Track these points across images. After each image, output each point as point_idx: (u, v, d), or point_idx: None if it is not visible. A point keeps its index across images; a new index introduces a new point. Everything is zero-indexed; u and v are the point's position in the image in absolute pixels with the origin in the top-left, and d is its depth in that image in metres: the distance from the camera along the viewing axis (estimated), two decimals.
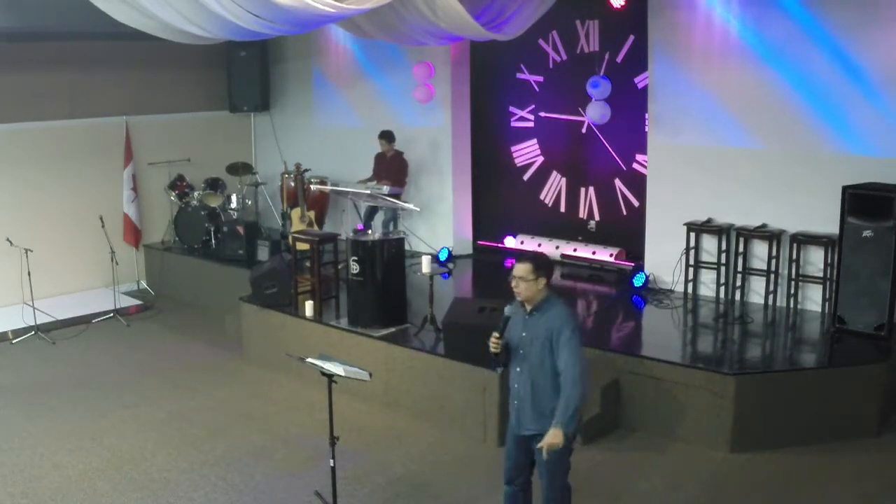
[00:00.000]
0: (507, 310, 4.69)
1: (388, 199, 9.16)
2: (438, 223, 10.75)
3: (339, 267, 8.70)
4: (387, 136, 10.13)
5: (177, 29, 6.79)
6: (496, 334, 4.63)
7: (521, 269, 4.57)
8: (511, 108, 10.52)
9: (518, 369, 4.69)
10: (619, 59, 9.46)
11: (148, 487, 6.06)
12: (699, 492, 5.90)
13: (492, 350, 4.66)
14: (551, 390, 4.54)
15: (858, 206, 7.11)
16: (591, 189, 10.03)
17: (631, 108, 9.34)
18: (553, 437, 4.41)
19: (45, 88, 10.31)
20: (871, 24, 7.39)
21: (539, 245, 10.14)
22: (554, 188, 10.34)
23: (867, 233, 7.06)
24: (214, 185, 11.50)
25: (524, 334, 4.64)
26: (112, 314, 10.04)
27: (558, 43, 9.96)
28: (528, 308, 4.64)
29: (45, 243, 10.21)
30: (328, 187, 10.65)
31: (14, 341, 9.26)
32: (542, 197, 10.45)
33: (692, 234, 8.59)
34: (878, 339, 7.05)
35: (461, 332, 6.87)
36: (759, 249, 8.29)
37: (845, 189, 7.17)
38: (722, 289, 8.51)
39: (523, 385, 4.65)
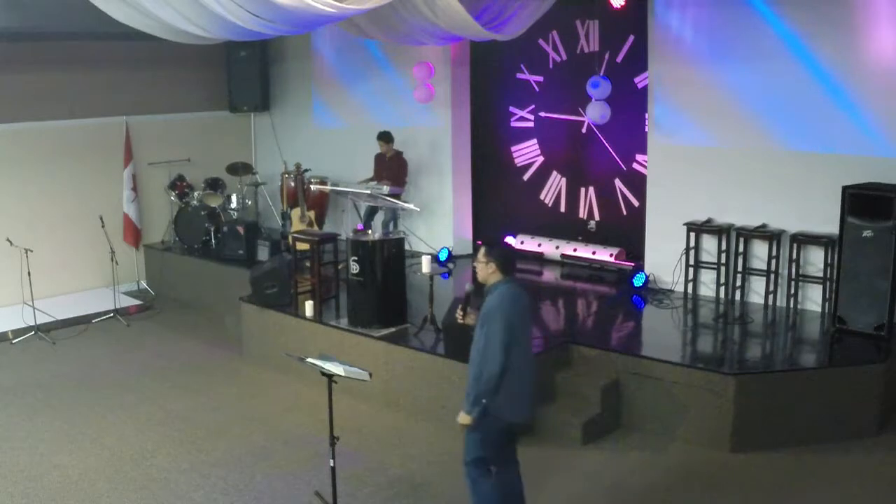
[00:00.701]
0: (468, 286, 5.30)
1: (388, 199, 9.15)
2: (438, 223, 10.74)
3: (339, 267, 8.70)
4: (385, 137, 10.11)
5: (177, 29, 6.79)
6: (460, 306, 5.20)
7: (479, 252, 5.00)
8: (511, 108, 10.52)
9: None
10: (619, 59, 9.46)
11: (148, 487, 6.06)
12: (699, 492, 5.90)
13: (458, 322, 5.26)
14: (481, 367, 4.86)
15: (858, 206, 7.11)
16: (591, 189, 10.02)
17: (631, 108, 9.33)
18: (461, 417, 4.85)
19: (45, 88, 10.31)
20: (871, 25, 7.39)
21: (539, 245, 10.14)
22: (554, 188, 10.34)
23: (867, 233, 7.07)
24: (214, 185, 11.50)
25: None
26: (112, 314, 10.04)
27: (558, 43, 9.96)
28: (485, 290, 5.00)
29: (45, 243, 10.22)
30: (328, 187, 10.64)
31: (14, 341, 9.26)
32: (542, 197, 10.45)
33: (692, 234, 8.58)
34: (878, 339, 7.05)
35: (461, 333, 6.84)
36: (759, 249, 8.29)
37: (845, 189, 7.17)
38: (722, 289, 8.51)
39: (471, 359, 4.97)
